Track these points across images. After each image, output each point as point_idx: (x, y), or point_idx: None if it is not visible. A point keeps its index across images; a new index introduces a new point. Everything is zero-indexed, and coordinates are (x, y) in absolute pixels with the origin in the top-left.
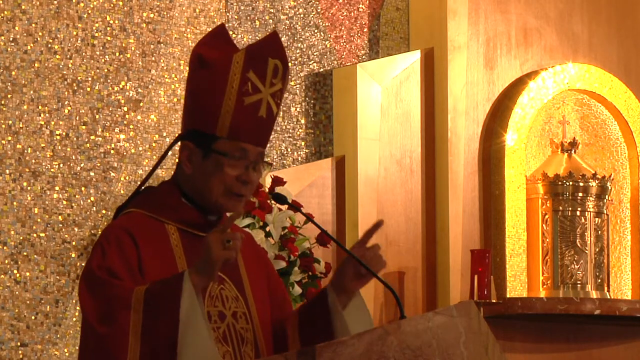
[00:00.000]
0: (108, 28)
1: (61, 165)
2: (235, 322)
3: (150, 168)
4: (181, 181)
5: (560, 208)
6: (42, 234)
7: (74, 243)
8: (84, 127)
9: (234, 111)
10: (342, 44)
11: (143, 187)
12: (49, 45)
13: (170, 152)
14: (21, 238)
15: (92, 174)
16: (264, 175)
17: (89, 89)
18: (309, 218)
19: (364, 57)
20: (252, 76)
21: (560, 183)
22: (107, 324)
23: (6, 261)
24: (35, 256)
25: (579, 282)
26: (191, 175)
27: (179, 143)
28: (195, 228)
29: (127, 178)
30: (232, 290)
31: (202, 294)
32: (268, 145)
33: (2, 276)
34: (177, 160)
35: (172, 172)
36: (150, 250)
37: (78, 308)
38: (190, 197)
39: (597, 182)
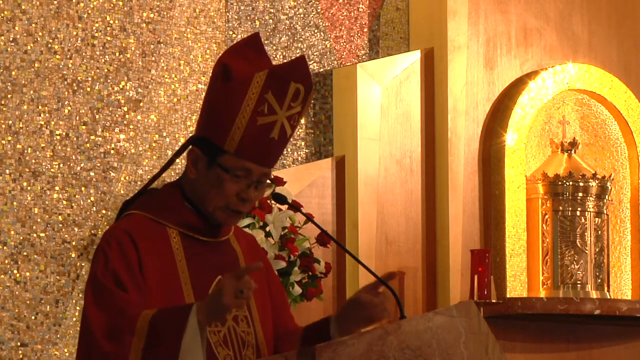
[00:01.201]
0: (108, 28)
1: (61, 165)
2: (236, 325)
3: (150, 168)
4: (184, 184)
5: (560, 208)
6: (42, 234)
7: (74, 243)
8: (84, 127)
9: (245, 129)
10: (342, 44)
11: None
12: (49, 45)
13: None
14: (21, 238)
15: (92, 174)
16: (265, 194)
17: (89, 89)
18: (309, 218)
19: (364, 57)
20: (270, 97)
21: (560, 183)
22: (111, 341)
23: (6, 261)
24: (35, 256)
25: (579, 282)
26: (194, 181)
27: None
28: (197, 232)
29: (127, 178)
30: None
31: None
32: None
33: (2, 276)
34: (181, 161)
35: (174, 173)
36: (151, 252)
37: (78, 308)
38: (191, 201)
39: (597, 182)
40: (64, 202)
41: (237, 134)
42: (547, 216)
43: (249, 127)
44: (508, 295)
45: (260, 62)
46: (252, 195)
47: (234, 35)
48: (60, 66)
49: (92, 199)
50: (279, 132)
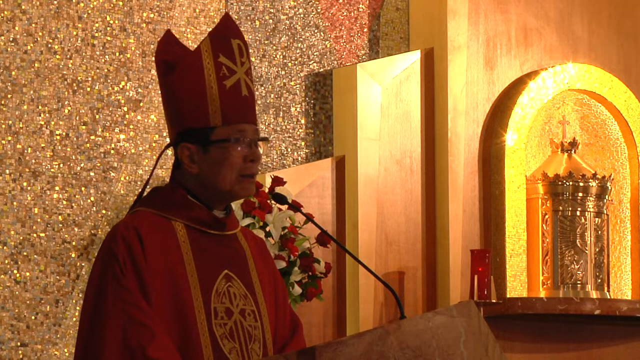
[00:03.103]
0: (108, 28)
1: (61, 165)
2: (243, 319)
3: (150, 168)
4: (185, 182)
5: (560, 208)
6: (42, 234)
7: (74, 243)
8: (84, 127)
9: (220, 97)
10: (342, 44)
11: (150, 189)
12: (49, 45)
13: (167, 154)
14: (21, 238)
15: (92, 174)
16: (263, 150)
17: (89, 89)
18: (309, 218)
19: (364, 57)
20: (223, 60)
21: (560, 183)
22: None
23: (6, 261)
24: (35, 256)
25: (579, 282)
26: (198, 174)
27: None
28: (203, 225)
29: (127, 178)
30: (240, 288)
31: (208, 291)
32: (268, 145)
33: (2, 276)
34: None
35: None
36: (156, 245)
37: (78, 308)
38: (196, 195)
39: (597, 182)
40: (64, 202)
41: (215, 106)
42: (547, 216)
43: (221, 93)
44: (508, 295)
45: (185, 48)
46: (257, 154)
47: None
48: (60, 66)
49: (92, 199)
50: (246, 88)
